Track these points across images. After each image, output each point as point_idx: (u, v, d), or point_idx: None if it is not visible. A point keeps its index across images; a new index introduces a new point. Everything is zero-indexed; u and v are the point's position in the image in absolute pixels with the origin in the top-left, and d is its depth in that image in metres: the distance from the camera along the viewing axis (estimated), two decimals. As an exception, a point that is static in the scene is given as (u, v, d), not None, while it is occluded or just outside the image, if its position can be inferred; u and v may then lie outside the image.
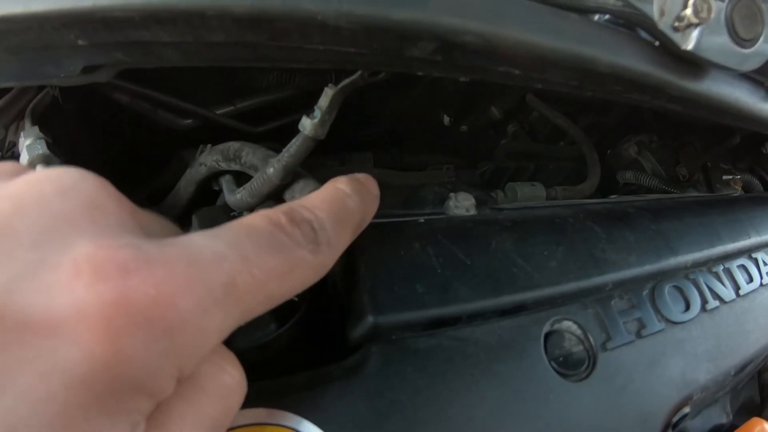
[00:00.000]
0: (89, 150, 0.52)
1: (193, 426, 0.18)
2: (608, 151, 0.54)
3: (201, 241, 0.18)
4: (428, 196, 0.36)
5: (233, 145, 0.40)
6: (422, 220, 0.32)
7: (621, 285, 0.32)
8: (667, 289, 0.34)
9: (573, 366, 0.29)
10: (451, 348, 0.27)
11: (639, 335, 0.31)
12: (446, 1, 0.24)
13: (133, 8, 0.24)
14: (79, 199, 0.17)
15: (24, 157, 0.42)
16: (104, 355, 0.14)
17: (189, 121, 0.54)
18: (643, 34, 0.30)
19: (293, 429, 0.24)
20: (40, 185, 0.17)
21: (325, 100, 0.30)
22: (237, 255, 0.18)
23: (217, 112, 0.55)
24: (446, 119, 0.57)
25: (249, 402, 0.24)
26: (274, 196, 0.34)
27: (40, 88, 0.47)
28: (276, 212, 0.21)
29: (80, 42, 0.27)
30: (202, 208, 0.33)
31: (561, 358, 0.29)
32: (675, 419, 0.31)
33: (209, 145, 0.46)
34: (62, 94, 0.47)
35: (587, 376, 0.29)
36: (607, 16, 0.30)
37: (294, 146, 0.31)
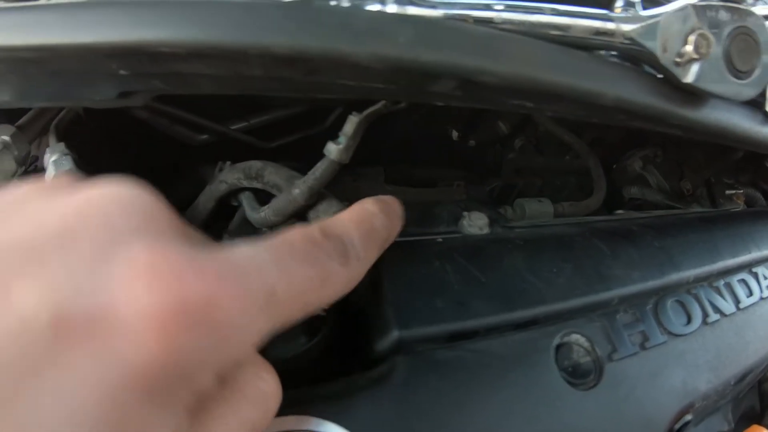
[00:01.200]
0: (107, 165, 0.56)
1: (234, 427, 0.21)
2: (613, 166, 0.58)
3: (246, 252, 0.20)
4: (442, 214, 0.40)
5: (255, 164, 0.43)
6: (440, 239, 0.36)
7: (626, 300, 0.36)
8: (670, 303, 0.38)
9: (581, 376, 0.33)
10: (469, 359, 0.31)
11: (643, 347, 0.35)
12: (466, 44, 0.28)
13: (178, 44, 0.27)
14: (138, 212, 0.19)
15: (50, 173, 0.45)
16: (161, 352, 0.16)
17: (205, 136, 0.57)
18: (647, 68, 0.34)
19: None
20: (102, 200, 0.19)
21: (350, 127, 0.34)
22: (278, 266, 0.21)
23: (231, 127, 0.58)
24: (454, 134, 0.61)
25: (282, 410, 0.28)
26: (298, 216, 0.38)
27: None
28: (311, 229, 0.24)
29: (121, 72, 0.31)
30: (232, 226, 0.37)
31: (570, 369, 0.33)
32: (677, 426, 0.35)
33: (228, 163, 0.50)
34: (86, 110, 0.51)
35: (595, 386, 0.33)
36: (613, 52, 0.34)
37: (319, 170, 0.35)
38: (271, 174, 0.41)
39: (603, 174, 0.51)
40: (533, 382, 0.31)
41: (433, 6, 0.30)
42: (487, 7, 0.31)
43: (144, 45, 0.27)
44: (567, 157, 0.60)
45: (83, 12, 0.27)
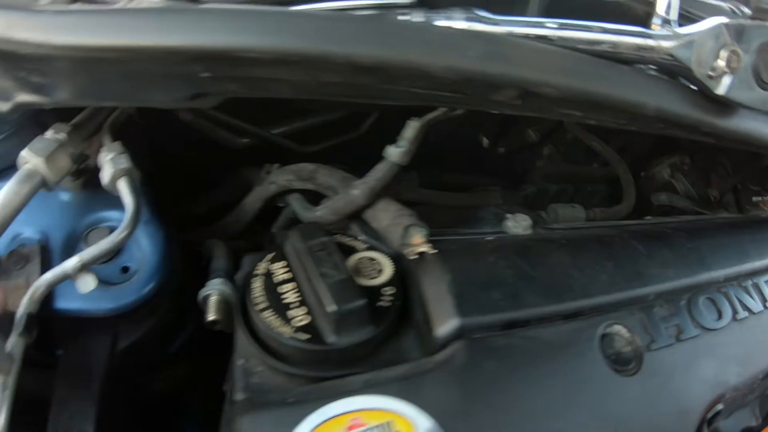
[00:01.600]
0: (154, 166, 0.59)
1: None
2: (642, 173, 0.61)
3: None
4: (487, 216, 0.43)
5: (307, 166, 0.47)
6: (491, 238, 0.39)
7: (661, 296, 0.39)
8: (702, 300, 0.41)
9: (623, 363, 0.36)
10: (523, 346, 0.34)
11: (678, 339, 0.38)
12: (530, 58, 0.32)
13: (268, 50, 0.30)
14: None
15: (108, 171, 0.48)
16: None
17: (245, 140, 0.61)
18: (682, 80, 0.38)
19: (398, 412, 0.31)
20: None
21: (410, 132, 0.38)
22: None
23: (271, 132, 0.62)
24: (485, 141, 0.65)
25: (358, 390, 0.31)
26: (354, 215, 0.41)
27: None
28: None
29: (204, 75, 0.34)
30: (300, 224, 0.40)
31: (613, 357, 0.36)
32: (710, 415, 0.38)
33: (275, 165, 0.54)
34: (139, 111, 0.54)
35: (635, 373, 0.36)
36: (652, 67, 0.37)
37: (381, 171, 0.39)
38: (325, 176, 0.45)
39: (632, 181, 0.55)
40: (581, 367, 0.35)
41: (496, 23, 0.34)
42: (542, 25, 0.35)
43: (234, 50, 0.31)
44: (594, 165, 0.63)
45: (175, 17, 0.31)
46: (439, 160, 0.66)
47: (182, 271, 0.52)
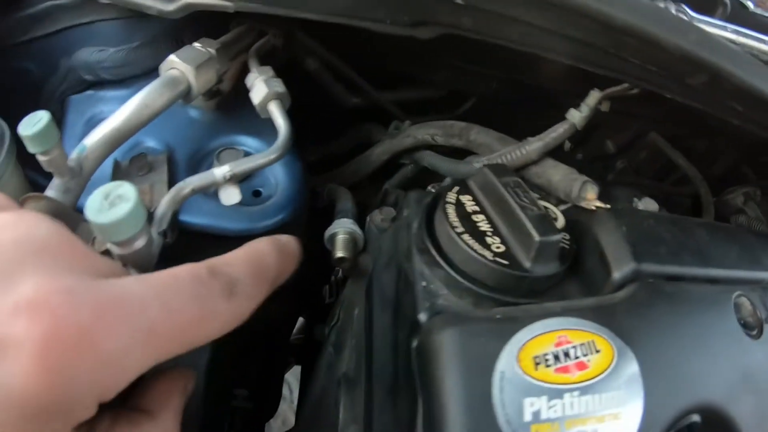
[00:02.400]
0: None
1: None
2: (714, 199, 0.71)
3: (132, 287, 0.23)
4: (621, 196, 0.50)
5: (457, 123, 0.52)
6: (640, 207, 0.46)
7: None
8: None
9: (750, 328, 0.44)
10: (683, 295, 0.41)
11: (788, 319, 0.46)
12: (726, 53, 0.39)
13: None
14: (31, 245, 0.22)
15: (260, 91, 0.51)
16: (36, 375, 0.19)
17: (357, 100, 0.65)
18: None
19: (598, 333, 0.36)
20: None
21: (591, 99, 0.45)
22: (160, 304, 0.23)
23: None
24: (567, 144, 0.73)
25: (559, 313, 0.36)
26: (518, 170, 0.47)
27: (261, 33, 0.57)
28: (199, 266, 0.26)
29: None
30: (489, 164, 0.45)
31: (742, 321, 0.43)
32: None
33: (407, 122, 0.59)
34: (283, 45, 0.57)
35: (759, 338, 0.43)
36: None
37: (559, 130, 0.45)
38: (479, 134, 0.51)
39: (712, 201, 0.64)
40: (722, 322, 0.41)
41: (693, 18, 0.42)
42: (725, 29, 0.43)
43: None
44: (664, 183, 0.72)
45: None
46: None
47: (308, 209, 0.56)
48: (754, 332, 0.44)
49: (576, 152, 0.74)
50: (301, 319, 0.84)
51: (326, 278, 0.69)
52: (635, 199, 0.50)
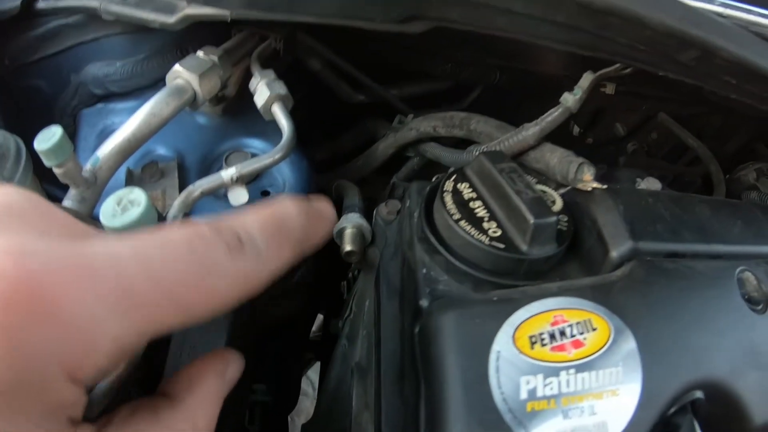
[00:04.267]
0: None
1: None
2: (726, 176, 0.70)
3: (103, 247, 0.20)
4: (622, 177, 0.51)
5: (458, 114, 0.54)
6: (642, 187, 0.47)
7: (780, 256, 0.48)
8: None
9: (754, 303, 0.44)
10: (683, 272, 0.41)
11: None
12: (715, 27, 0.40)
13: None
14: (6, 210, 0.20)
15: (263, 94, 0.53)
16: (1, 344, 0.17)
17: (362, 97, 0.67)
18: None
19: (594, 312, 0.37)
20: None
21: (585, 82, 0.45)
22: (140, 262, 0.20)
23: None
24: (576, 129, 0.73)
25: (555, 293, 0.37)
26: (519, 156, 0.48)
27: (263, 37, 0.59)
28: (201, 223, 0.23)
29: None
30: (485, 151, 0.47)
31: (746, 297, 0.44)
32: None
33: (410, 116, 0.60)
34: (284, 48, 0.59)
35: (764, 313, 0.44)
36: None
37: (554, 114, 0.46)
38: (479, 123, 0.52)
39: (723, 180, 0.63)
40: (726, 298, 0.42)
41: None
42: (713, 2, 0.43)
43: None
44: (677, 164, 0.72)
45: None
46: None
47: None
48: (759, 307, 0.44)
49: (586, 137, 0.74)
50: (320, 316, 0.86)
51: (344, 274, 0.71)
52: (638, 180, 0.51)
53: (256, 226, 0.24)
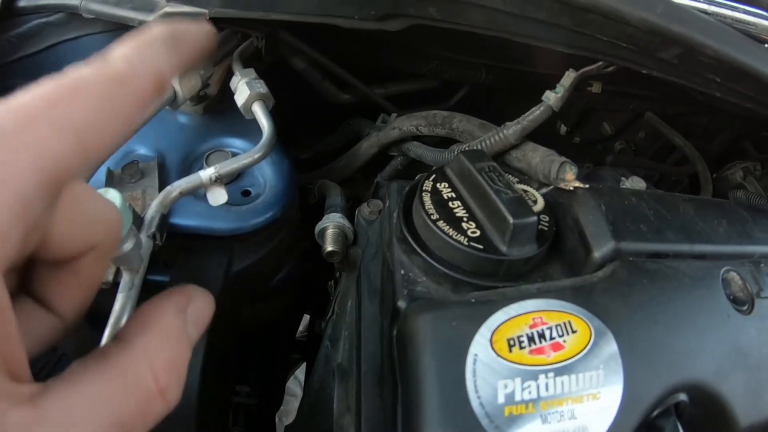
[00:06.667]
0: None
1: None
2: (713, 175, 0.69)
3: None
4: (606, 176, 0.50)
5: (440, 113, 0.53)
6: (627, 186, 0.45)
7: (765, 256, 0.47)
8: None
9: (739, 303, 0.43)
10: (667, 272, 0.40)
11: (780, 293, 0.45)
12: (698, 24, 0.39)
13: None
14: None
15: (244, 93, 0.52)
16: None
17: (347, 96, 0.66)
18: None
19: (574, 313, 0.36)
20: None
21: (567, 80, 0.44)
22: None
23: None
24: (563, 128, 0.72)
25: (534, 295, 0.36)
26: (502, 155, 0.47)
27: (245, 36, 0.58)
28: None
29: None
30: (464, 150, 0.45)
31: (731, 297, 0.43)
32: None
33: (393, 114, 0.59)
34: (266, 47, 0.58)
35: (749, 314, 0.43)
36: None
37: (535, 113, 0.45)
38: (462, 122, 0.51)
39: (710, 178, 0.62)
40: (711, 299, 0.41)
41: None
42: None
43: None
44: (665, 163, 0.71)
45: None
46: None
47: (299, 205, 0.56)
48: (745, 308, 0.43)
49: (573, 136, 0.73)
50: (306, 316, 0.85)
51: (331, 274, 0.70)
52: (622, 179, 0.50)
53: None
